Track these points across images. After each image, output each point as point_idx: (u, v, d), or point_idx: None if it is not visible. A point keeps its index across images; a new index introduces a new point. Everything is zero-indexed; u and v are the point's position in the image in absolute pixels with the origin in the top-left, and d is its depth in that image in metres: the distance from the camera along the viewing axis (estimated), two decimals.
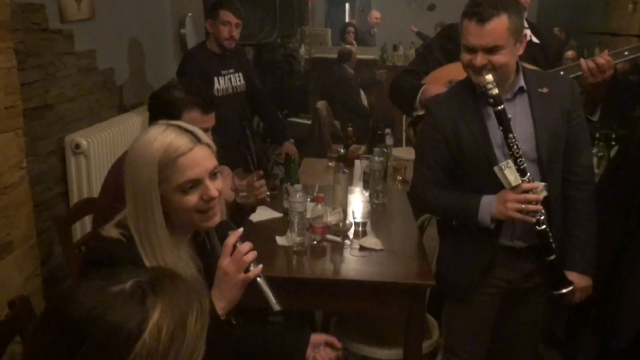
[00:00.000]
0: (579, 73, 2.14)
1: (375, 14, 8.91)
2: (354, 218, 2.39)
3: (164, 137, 1.29)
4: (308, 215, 2.21)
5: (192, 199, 1.31)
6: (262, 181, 2.18)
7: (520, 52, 1.82)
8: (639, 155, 2.11)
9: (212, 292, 1.35)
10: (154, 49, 3.78)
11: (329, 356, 1.65)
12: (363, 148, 3.81)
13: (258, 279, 1.34)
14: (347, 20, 10.04)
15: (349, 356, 2.39)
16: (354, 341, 2.29)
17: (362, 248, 2.20)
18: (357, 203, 2.68)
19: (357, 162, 3.37)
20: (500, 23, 1.72)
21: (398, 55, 7.96)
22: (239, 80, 3.39)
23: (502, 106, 1.75)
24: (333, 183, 2.64)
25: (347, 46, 7.02)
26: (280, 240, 2.19)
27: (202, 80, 3.15)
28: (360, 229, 2.36)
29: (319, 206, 2.20)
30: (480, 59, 1.75)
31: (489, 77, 1.74)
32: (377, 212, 2.62)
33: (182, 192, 1.30)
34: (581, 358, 3.00)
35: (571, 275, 1.90)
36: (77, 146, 2.73)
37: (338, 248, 2.21)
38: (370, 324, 2.41)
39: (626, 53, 2.15)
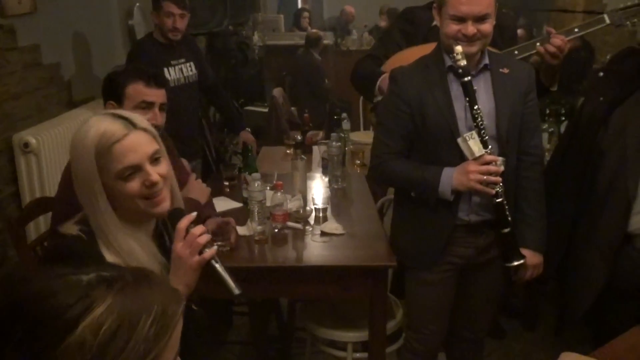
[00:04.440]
0: (533, 52, 2.18)
1: (349, 9, 8.61)
2: (314, 204, 2.39)
3: (98, 125, 1.27)
4: (268, 204, 2.21)
5: (134, 185, 1.29)
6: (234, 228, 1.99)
7: (494, 22, 1.83)
8: (589, 129, 2.18)
9: (169, 277, 1.32)
10: (102, 41, 3.67)
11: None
12: (321, 134, 3.80)
13: (214, 262, 1.31)
14: (299, 5, 9.94)
15: (315, 342, 2.41)
16: (319, 326, 2.31)
17: (323, 234, 2.20)
18: (317, 189, 2.69)
19: (315, 148, 3.37)
20: None
21: (352, 39, 7.96)
22: (191, 70, 3.32)
23: (469, 77, 1.79)
24: (292, 170, 2.63)
25: (314, 31, 6.88)
26: (241, 230, 2.18)
27: None
28: (320, 214, 2.36)
29: (279, 194, 2.19)
30: (471, 28, 1.76)
31: (459, 48, 1.77)
32: (336, 197, 2.63)
33: (122, 180, 1.27)
34: (540, 327, 3.10)
35: (523, 252, 1.95)
36: (26, 145, 2.64)
37: (299, 235, 2.21)
38: (335, 308, 2.43)
39: (576, 30, 2.20)
